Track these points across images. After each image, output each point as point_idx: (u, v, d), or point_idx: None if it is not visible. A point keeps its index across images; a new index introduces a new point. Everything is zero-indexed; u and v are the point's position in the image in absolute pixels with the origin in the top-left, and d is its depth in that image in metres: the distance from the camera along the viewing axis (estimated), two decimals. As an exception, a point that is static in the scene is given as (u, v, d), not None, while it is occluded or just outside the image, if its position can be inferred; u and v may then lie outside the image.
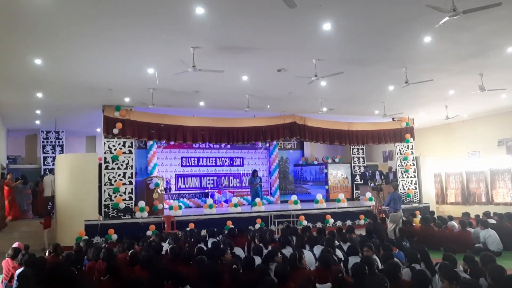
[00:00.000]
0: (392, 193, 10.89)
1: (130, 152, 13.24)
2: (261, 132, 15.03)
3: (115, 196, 12.86)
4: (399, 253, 7.06)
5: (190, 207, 18.34)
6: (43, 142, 16.40)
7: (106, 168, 12.87)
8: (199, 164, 19.64)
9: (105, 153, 12.93)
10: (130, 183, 13.13)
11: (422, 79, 10.23)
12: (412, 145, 17.23)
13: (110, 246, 9.20)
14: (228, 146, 19.89)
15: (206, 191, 19.21)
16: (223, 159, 20.13)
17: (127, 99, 12.28)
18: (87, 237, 12.13)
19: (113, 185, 12.86)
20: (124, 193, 12.99)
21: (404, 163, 17.07)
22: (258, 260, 6.60)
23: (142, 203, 13.18)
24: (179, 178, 19.19)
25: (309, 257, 6.86)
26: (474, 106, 14.98)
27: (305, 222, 14.76)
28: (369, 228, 9.35)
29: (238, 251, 7.81)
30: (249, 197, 19.35)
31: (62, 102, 12.32)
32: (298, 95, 12.51)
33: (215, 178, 19.85)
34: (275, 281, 4.41)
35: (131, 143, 13.28)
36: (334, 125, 16.17)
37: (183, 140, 14.06)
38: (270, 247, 7.58)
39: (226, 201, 18.37)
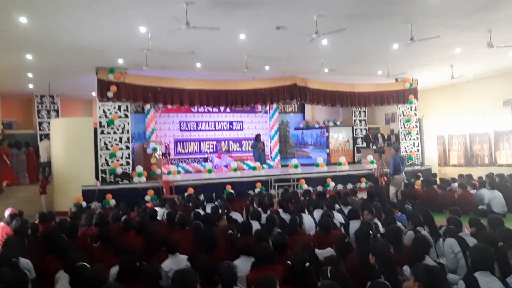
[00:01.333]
0: (394, 156, 10.59)
1: (126, 116, 12.90)
2: (260, 94, 14.62)
3: (112, 161, 12.62)
4: (401, 216, 6.85)
5: (190, 172, 18.13)
6: (38, 106, 16.03)
7: (102, 132, 12.56)
8: (198, 128, 19.31)
9: (100, 117, 12.60)
10: (127, 147, 12.86)
11: (428, 36, 9.74)
12: (415, 107, 16.83)
13: (107, 211, 9.07)
14: (228, 110, 19.51)
15: (206, 156, 18.97)
16: (222, 123, 19.79)
17: (120, 61, 11.83)
18: (84, 203, 12.05)
19: (109, 150, 12.59)
20: (121, 158, 12.73)
21: (407, 125, 16.73)
22: (256, 225, 6.40)
23: (139, 168, 12.97)
24: (178, 143, 18.91)
25: (309, 221, 6.66)
26: (480, 65, 14.49)
27: (305, 186, 14.60)
28: (370, 191, 9.14)
29: (236, 216, 7.62)
30: (249, 162, 19.18)
31: (54, 64, 11.87)
32: (298, 55, 12.04)
33: (214, 142, 19.57)
34: (270, 248, 4.17)
35: (127, 106, 12.92)
36: (336, 87, 15.73)
37: (180, 103, 13.69)
38: (269, 212, 7.39)
39: (226, 166, 18.16)
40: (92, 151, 12.41)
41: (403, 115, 16.78)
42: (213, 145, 19.54)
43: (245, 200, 9.28)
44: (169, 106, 16.99)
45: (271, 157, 20.16)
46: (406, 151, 16.68)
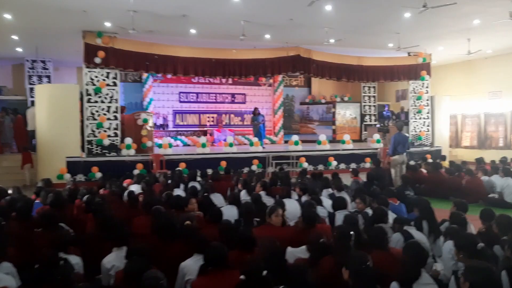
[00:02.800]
0: (395, 135, 9.63)
1: (115, 84, 12.09)
2: (260, 65, 13.64)
3: (99, 132, 11.89)
4: (400, 206, 6.01)
5: (188, 145, 17.42)
6: (28, 72, 15.26)
7: (89, 101, 11.80)
8: (198, 100, 18.50)
9: (86, 84, 11.81)
10: (115, 118, 12.10)
11: (443, 2, 8.68)
12: (428, 84, 15.73)
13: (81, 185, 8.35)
14: (230, 81, 18.65)
15: (205, 129, 18.20)
16: (224, 95, 18.93)
17: (108, 24, 10.94)
18: (68, 175, 11.43)
19: (96, 120, 11.86)
20: (109, 128, 12.00)
21: (418, 102, 15.69)
22: (233, 212, 5.64)
23: (128, 140, 12.26)
24: (177, 115, 18.17)
25: (294, 208, 5.83)
26: (500, 39, 13.30)
27: (306, 164, 13.82)
28: (370, 174, 8.31)
29: (218, 198, 6.85)
30: (251, 137, 18.37)
31: (36, 26, 11.05)
32: (300, 22, 11.05)
33: (215, 115, 18.77)
34: (222, 247, 3.38)
35: (116, 74, 12.09)
36: (342, 59, 14.67)
37: (174, 72, 12.83)
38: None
39: (225, 140, 17.39)
40: (77, 120, 11.68)
41: (414, 92, 15.71)
42: (213, 118, 18.76)
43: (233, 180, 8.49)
44: (160, 75, 16.17)
45: (274, 132, 19.31)
46: (415, 131, 15.70)
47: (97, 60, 11.61)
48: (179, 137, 17.81)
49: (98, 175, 11.47)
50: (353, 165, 14.12)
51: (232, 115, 19.11)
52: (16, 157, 12.71)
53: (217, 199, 6.77)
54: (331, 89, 20.46)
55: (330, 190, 7.11)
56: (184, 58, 12.74)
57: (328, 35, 12.14)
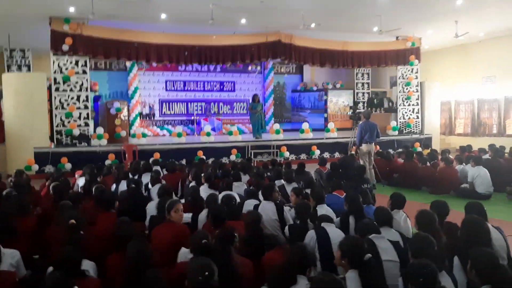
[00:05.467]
0: (362, 124, 9.06)
1: (85, 72, 11.71)
2: (238, 51, 13.13)
3: (69, 122, 11.57)
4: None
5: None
6: (7, 61, 14.99)
7: (57, 90, 11.46)
8: (186, 88, 18.07)
9: (54, 72, 11.45)
10: (86, 107, 11.75)
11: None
12: (417, 69, 15.07)
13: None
14: (218, 69, 18.20)
15: (192, 118, 17.79)
16: (212, 83, 18.47)
17: (72, 9, 10.50)
18: (36, 166, 11.16)
19: (65, 109, 11.52)
20: (79, 118, 11.67)
21: (407, 89, 15.06)
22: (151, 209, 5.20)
23: (100, 130, 11.94)
24: (164, 104, 17.77)
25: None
26: (490, 22, 12.64)
27: (287, 154, 13.38)
28: (333, 164, 7.83)
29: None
30: (240, 125, 17.95)
31: (2, 13, 10.69)
32: (273, 5, 10.51)
33: (203, 104, 18.34)
34: (73, 251, 2.98)
35: (85, 62, 11.71)
36: (326, 45, 14.08)
37: (146, 59, 12.42)
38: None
39: (213, 129, 16.99)
40: (45, 110, 11.38)
41: (403, 77, 15.07)
42: (201, 106, 18.33)
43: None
44: (145, 64, 15.75)
45: (265, 121, 18.83)
46: (404, 118, 15.11)
47: (65, 47, 11.24)
48: (166, 126, 17.48)
49: (68, 166, 11.18)
50: (337, 154, 13.64)
51: (221, 104, 18.66)
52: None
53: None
54: (323, 76, 19.85)
55: (282, 181, 6.67)
56: (157, 45, 12.30)
57: (306, 19, 11.58)
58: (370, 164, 8.87)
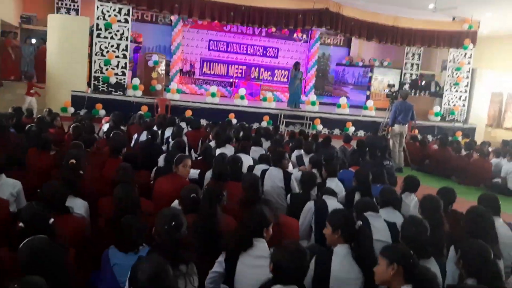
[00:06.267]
0: (397, 103, 8.62)
1: (126, 21, 11.73)
2: (283, 15, 12.72)
3: (107, 69, 11.71)
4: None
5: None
6: (57, 3, 15.24)
7: (98, 36, 11.57)
8: (228, 50, 17.86)
9: (97, 18, 11.54)
10: (124, 56, 11.83)
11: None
12: (471, 54, 14.16)
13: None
14: (263, 33, 17.83)
15: (231, 80, 17.65)
16: (255, 47, 18.15)
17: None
18: (72, 109, 11.44)
19: (104, 56, 11.65)
20: (117, 66, 11.78)
21: (456, 74, 14.23)
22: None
23: (136, 81, 12.03)
24: (205, 63, 17.68)
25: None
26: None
27: (320, 127, 13.08)
28: (360, 142, 7.53)
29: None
30: (279, 93, 17.69)
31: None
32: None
33: (244, 67, 18.11)
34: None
35: (128, 10, 11.71)
36: (375, 18, 13.41)
37: (189, 15, 12.27)
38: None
39: (250, 94, 16.83)
40: (86, 55, 11.55)
41: (454, 61, 14.23)
42: (242, 70, 18.13)
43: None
44: (200, 22, 15.52)
45: (305, 92, 18.43)
46: (449, 104, 14.36)
47: (110, -7, 11.27)
48: (204, 86, 17.45)
49: (102, 112, 11.39)
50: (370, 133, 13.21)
51: (262, 69, 18.39)
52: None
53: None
54: (371, 51, 19.09)
55: (301, 151, 6.49)
56: (201, 1, 12.09)
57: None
58: (400, 146, 8.50)
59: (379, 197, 3.76)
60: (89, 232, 3.19)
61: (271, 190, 4.54)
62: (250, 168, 5.06)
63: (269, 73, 18.44)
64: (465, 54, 14.16)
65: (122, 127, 7.36)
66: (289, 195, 4.25)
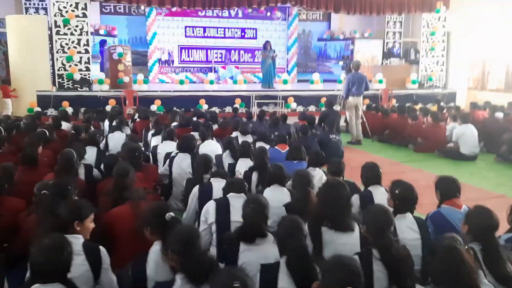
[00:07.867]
0: (349, 75, 8.37)
1: (85, 15, 11.58)
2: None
3: (70, 66, 11.62)
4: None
5: (194, 82, 16.92)
6: (25, 4, 15.11)
7: (58, 33, 11.46)
8: (205, 35, 17.64)
9: (55, 15, 11.41)
10: (86, 51, 11.72)
11: None
12: (445, 17, 13.71)
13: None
14: (240, 15, 17.55)
15: (210, 65, 17.43)
16: (233, 30, 17.89)
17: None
18: (39, 109, 11.39)
19: (66, 53, 11.55)
20: (80, 62, 11.68)
21: (431, 39, 13.83)
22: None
23: (101, 75, 11.97)
24: (183, 50, 17.50)
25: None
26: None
27: (294, 105, 12.88)
28: (309, 117, 7.36)
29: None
30: (259, 75, 17.44)
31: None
32: None
33: (223, 51, 17.88)
34: None
35: (85, 4, 11.55)
36: (342, -12, 13.05)
37: (159, 3, 12.02)
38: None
39: (231, 78, 16.64)
40: (47, 53, 11.46)
41: (428, 26, 13.81)
42: (221, 54, 17.90)
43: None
44: (174, 9, 15.21)
45: (287, 70, 18.16)
46: (426, 70, 13.98)
47: (62, -13, 11.11)
48: (184, 73, 17.29)
49: (70, 109, 11.32)
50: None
51: (241, 52, 18.14)
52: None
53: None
54: (353, 23, 18.63)
55: (238, 133, 6.35)
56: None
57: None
58: (357, 118, 8.29)
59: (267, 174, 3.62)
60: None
61: (179, 177, 4.45)
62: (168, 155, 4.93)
63: (250, 55, 18.20)
64: (439, 17, 13.72)
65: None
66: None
